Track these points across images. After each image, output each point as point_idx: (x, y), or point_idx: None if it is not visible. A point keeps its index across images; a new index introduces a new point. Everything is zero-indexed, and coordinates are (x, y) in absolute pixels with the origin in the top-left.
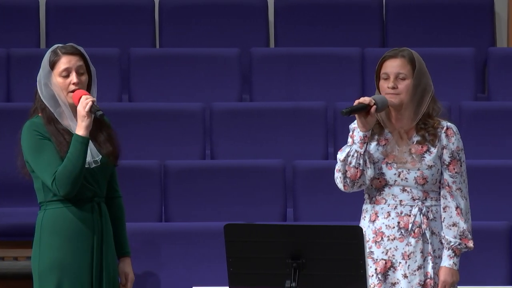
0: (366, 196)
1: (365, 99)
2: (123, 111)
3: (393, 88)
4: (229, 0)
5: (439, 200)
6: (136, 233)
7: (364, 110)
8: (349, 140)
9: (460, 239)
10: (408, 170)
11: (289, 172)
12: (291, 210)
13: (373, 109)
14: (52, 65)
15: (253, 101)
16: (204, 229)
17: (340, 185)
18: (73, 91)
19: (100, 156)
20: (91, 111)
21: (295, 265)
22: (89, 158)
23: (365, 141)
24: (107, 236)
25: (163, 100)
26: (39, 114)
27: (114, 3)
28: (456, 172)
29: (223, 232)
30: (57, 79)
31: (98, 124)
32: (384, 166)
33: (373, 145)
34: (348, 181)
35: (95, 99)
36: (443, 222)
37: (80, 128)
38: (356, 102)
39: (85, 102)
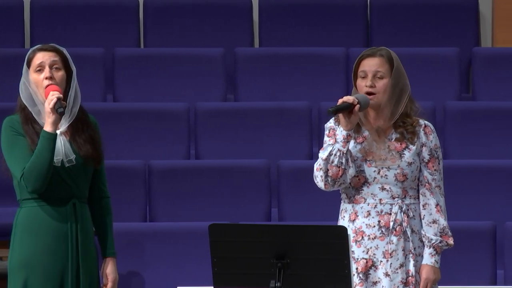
0: (343, 195)
1: (348, 98)
2: (108, 111)
3: (371, 86)
4: (214, 0)
5: (417, 198)
6: (120, 233)
7: (348, 109)
8: (326, 139)
9: (441, 236)
10: (388, 167)
11: (274, 172)
12: (275, 210)
13: (356, 107)
14: (29, 63)
15: (238, 101)
16: (189, 229)
17: (320, 183)
18: (46, 87)
19: (74, 156)
20: (54, 107)
21: (280, 265)
22: (62, 157)
23: (348, 140)
24: (84, 237)
25: (147, 100)
26: (19, 114)
27: (99, 3)
28: (435, 170)
29: (208, 232)
30: (32, 76)
31: (81, 124)
32: (363, 163)
33: (351, 143)
34: (329, 179)
35: (61, 96)
36: (422, 219)
37: (47, 124)
38: (340, 101)
39: (50, 99)
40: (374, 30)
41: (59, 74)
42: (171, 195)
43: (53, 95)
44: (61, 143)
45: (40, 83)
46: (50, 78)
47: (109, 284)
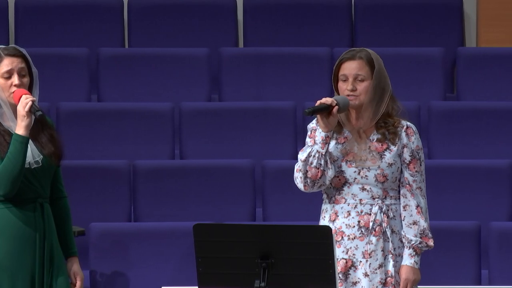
0: (324, 196)
1: (327, 100)
2: (92, 111)
3: (352, 90)
4: (198, 0)
5: (398, 199)
6: (105, 233)
7: (326, 110)
8: (308, 140)
9: (421, 237)
10: (369, 168)
11: (258, 171)
12: (260, 210)
13: (335, 109)
14: None
15: (222, 101)
16: (173, 229)
17: (300, 185)
18: (14, 90)
19: (41, 157)
20: (31, 111)
21: (264, 265)
22: (29, 159)
23: (327, 141)
24: (50, 237)
25: (132, 100)
26: None
27: (83, 3)
28: (416, 171)
29: (192, 232)
30: None
31: (40, 124)
32: (344, 164)
33: (332, 144)
34: (308, 181)
35: (35, 98)
36: (403, 220)
37: (20, 128)
38: (318, 102)
39: (25, 102)
40: (358, 30)
41: (25, 80)
42: (155, 195)
43: (28, 99)
44: (28, 146)
45: (7, 88)
46: (19, 85)
47: (78, 283)
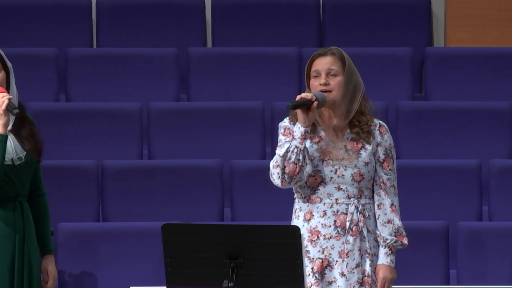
0: (297, 195)
1: (307, 95)
2: (60, 111)
3: (325, 84)
4: (167, 0)
5: (372, 198)
6: (73, 233)
7: (306, 105)
8: (281, 137)
9: (396, 236)
10: (345, 166)
11: (227, 171)
12: (228, 210)
13: (314, 104)
14: None
15: (191, 101)
16: (142, 229)
17: (277, 181)
18: None
19: (25, 153)
20: (8, 109)
21: (233, 265)
22: (13, 155)
23: (306, 137)
24: (29, 235)
25: (100, 100)
26: None
27: (51, 3)
28: (390, 169)
29: (161, 232)
30: None
31: (21, 120)
32: (320, 163)
33: (307, 143)
34: (286, 177)
35: (11, 96)
36: (377, 219)
37: None
38: (298, 97)
39: (1, 101)
40: (327, 30)
41: (1, 75)
42: (124, 195)
43: (4, 97)
44: (11, 142)
45: None
46: None
47: (50, 281)
